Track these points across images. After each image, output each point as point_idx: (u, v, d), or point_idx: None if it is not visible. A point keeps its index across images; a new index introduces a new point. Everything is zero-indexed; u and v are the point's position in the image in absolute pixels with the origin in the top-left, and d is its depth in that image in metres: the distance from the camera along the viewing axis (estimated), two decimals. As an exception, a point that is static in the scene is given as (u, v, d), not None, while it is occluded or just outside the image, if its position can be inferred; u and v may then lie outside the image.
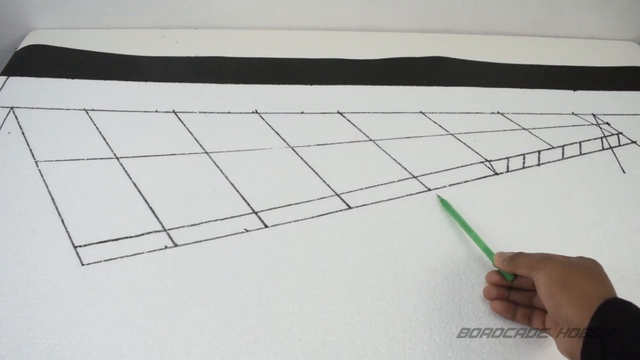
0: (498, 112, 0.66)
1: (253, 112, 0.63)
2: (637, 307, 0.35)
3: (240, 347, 0.41)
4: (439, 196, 0.54)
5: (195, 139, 0.59)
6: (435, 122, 0.63)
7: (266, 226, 0.50)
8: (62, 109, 0.62)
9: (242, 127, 0.61)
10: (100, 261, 0.46)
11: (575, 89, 0.71)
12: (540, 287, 0.38)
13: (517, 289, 0.44)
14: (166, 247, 0.48)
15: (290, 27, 0.79)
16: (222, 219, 0.50)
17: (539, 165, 0.59)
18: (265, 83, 0.68)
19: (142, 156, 0.56)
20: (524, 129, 0.64)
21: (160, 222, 0.50)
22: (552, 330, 0.40)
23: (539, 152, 0.60)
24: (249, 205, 0.52)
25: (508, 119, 0.65)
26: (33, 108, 0.61)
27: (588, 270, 0.38)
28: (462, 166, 0.58)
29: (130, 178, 0.54)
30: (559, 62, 0.76)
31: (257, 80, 0.68)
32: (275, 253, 0.48)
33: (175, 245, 0.48)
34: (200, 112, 0.62)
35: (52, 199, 0.51)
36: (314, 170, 0.56)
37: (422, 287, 0.46)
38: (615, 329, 0.33)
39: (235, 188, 0.53)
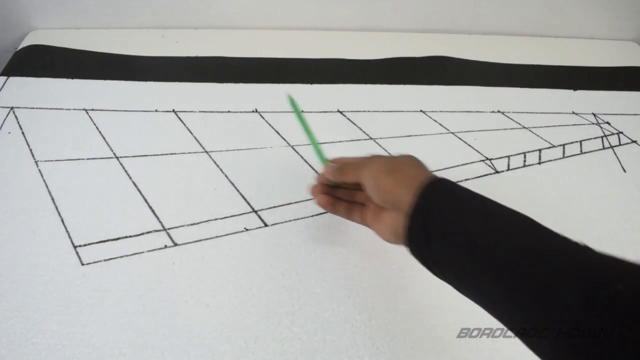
0: (499, 111, 0.66)
1: (253, 111, 0.63)
2: (458, 185, 0.37)
3: (240, 347, 0.41)
4: (289, 96, 0.52)
5: (195, 138, 0.59)
6: (436, 121, 0.63)
7: (266, 225, 0.50)
8: (62, 109, 0.62)
9: (242, 126, 0.61)
10: (100, 261, 0.46)
11: (575, 89, 0.71)
12: (368, 181, 0.39)
13: (342, 187, 0.46)
14: (166, 246, 0.48)
15: (290, 27, 0.79)
16: (222, 218, 0.50)
17: (539, 163, 0.59)
18: (265, 82, 0.67)
19: (142, 156, 0.56)
20: (524, 127, 0.64)
21: (160, 222, 0.50)
22: (371, 220, 0.42)
23: (540, 150, 0.60)
24: (249, 204, 0.52)
25: (509, 117, 0.65)
26: (33, 108, 0.61)
27: (410, 159, 0.41)
28: (462, 164, 0.58)
29: (130, 178, 0.54)
30: (559, 62, 0.76)
31: (257, 80, 0.68)
32: (275, 252, 0.48)
33: (175, 244, 0.48)
34: (200, 112, 0.62)
35: (52, 199, 0.51)
36: (314, 169, 0.56)
37: (423, 286, 0.46)
38: (438, 205, 0.35)
39: (235, 187, 0.53)
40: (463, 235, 0.33)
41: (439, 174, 0.56)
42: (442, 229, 0.34)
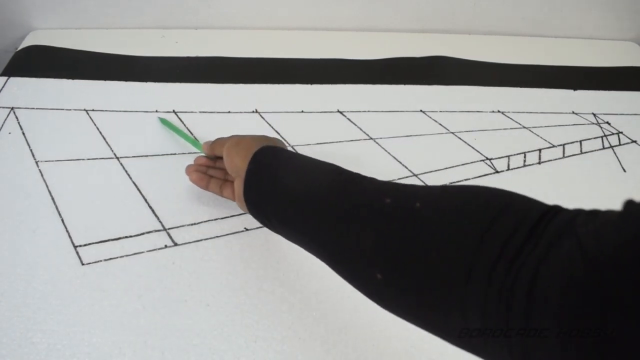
0: (499, 111, 0.66)
1: (253, 112, 0.63)
2: (285, 149, 0.43)
3: (240, 346, 0.41)
4: (159, 118, 0.61)
5: (196, 138, 0.59)
6: (436, 121, 0.63)
7: (266, 225, 0.50)
8: (62, 109, 0.62)
9: (243, 126, 0.61)
10: (100, 261, 0.46)
11: (575, 89, 0.71)
12: (224, 153, 0.45)
13: (217, 168, 0.51)
14: (166, 246, 0.48)
15: (290, 27, 0.79)
16: (222, 218, 0.50)
17: (539, 163, 0.59)
18: (265, 82, 0.68)
19: (142, 156, 0.56)
20: (524, 127, 0.64)
21: (160, 222, 0.50)
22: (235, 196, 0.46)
23: (540, 150, 0.60)
24: (249, 204, 0.52)
25: (509, 117, 0.65)
26: (33, 108, 0.61)
27: (262, 136, 0.46)
28: (462, 164, 0.58)
29: (130, 178, 0.54)
30: (559, 62, 0.76)
31: (257, 80, 0.68)
32: (275, 252, 0.48)
33: (175, 244, 0.48)
34: (200, 112, 0.62)
35: (53, 199, 0.51)
36: (314, 170, 0.56)
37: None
38: (264, 166, 0.40)
39: (236, 187, 0.53)
40: (283, 187, 0.38)
41: (439, 174, 0.57)
42: (267, 185, 0.40)
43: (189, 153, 0.57)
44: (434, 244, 0.27)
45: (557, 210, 0.26)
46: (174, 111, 0.62)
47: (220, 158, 0.50)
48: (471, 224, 0.26)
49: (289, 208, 0.38)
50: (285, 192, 0.38)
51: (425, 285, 0.27)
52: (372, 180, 0.35)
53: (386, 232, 0.30)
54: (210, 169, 0.51)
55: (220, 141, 0.49)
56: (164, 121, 0.60)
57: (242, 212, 0.51)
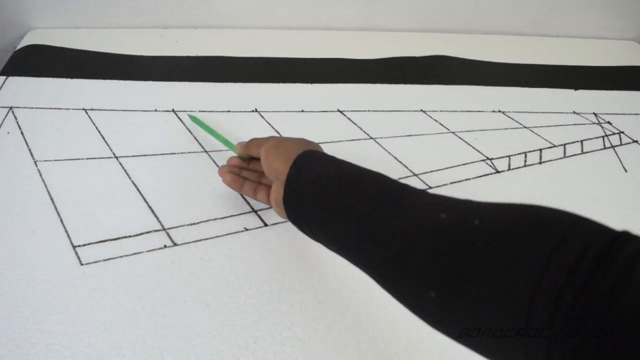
0: (499, 111, 0.66)
1: (253, 111, 0.63)
2: (327, 155, 0.41)
3: (240, 347, 0.41)
4: (189, 115, 0.60)
5: (195, 138, 0.59)
6: (436, 121, 0.63)
7: (266, 225, 0.50)
8: (61, 108, 0.61)
9: (243, 126, 0.61)
10: (100, 261, 0.46)
11: (576, 88, 0.71)
12: (262, 155, 0.44)
13: (251, 170, 0.50)
14: (165, 246, 0.47)
15: (290, 27, 0.79)
16: (221, 218, 0.50)
17: (540, 163, 0.59)
18: (265, 82, 0.67)
19: (141, 155, 0.56)
20: (525, 127, 0.63)
21: (159, 222, 0.49)
22: (269, 196, 0.45)
23: (541, 150, 0.60)
24: (248, 204, 0.52)
25: (509, 117, 0.65)
26: (32, 108, 0.61)
27: (302, 140, 0.45)
28: (463, 164, 0.58)
29: (130, 177, 0.53)
30: (559, 61, 0.75)
31: (257, 80, 0.68)
32: (275, 252, 0.48)
33: (175, 244, 0.48)
34: (199, 111, 0.62)
35: (51, 199, 0.51)
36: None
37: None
38: (307, 172, 0.39)
39: (235, 187, 0.53)
40: (326, 196, 0.37)
41: (439, 174, 0.56)
42: (310, 192, 0.38)
43: (188, 153, 0.57)
44: (495, 264, 0.26)
45: (627, 236, 0.25)
46: (173, 111, 0.62)
47: (254, 159, 0.49)
48: (536, 246, 0.25)
49: (333, 218, 0.36)
50: (330, 201, 0.37)
51: (483, 306, 0.26)
52: (424, 193, 0.34)
53: (442, 249, 0.28)
54: (244, 170, 0.50)
55: (256, 142, 0.48)
56: (194, 119, 0.59)
57: (244, 212, 0.51)
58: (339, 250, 0.38)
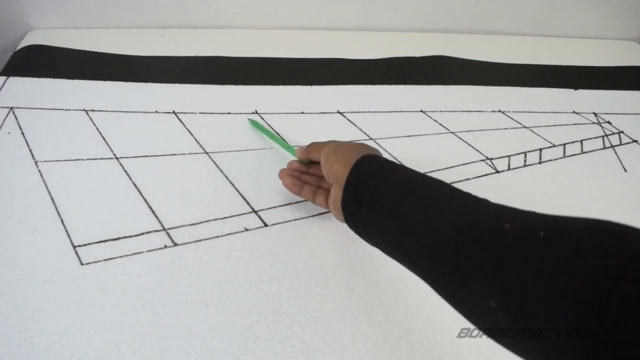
0: (499, 111, 0.66)
1: (253, 113, 0.63)
2: (387, 160, 0.42)
3: (240, 347, 0.41)
4: (248, 119, 0.61)
5: (195, 139, 0.59)
6: (436, 121, 0.63)
7: (266, 225, 0.50)
8: (61, 109, 0.61)
9: (242, 127, 0.61)
10: (100, 261, 0.46)
11: (576, 88, 0.71)
12: (322, 159, 0.45)
13: (310, 174, 0.51)
14: (166, 246, 0.47)
15: (290, 27, 0.79)
16: (222, 218, 0.50)
17: (540, 163, 0.59)
18: (265, 84, 0.67)
19: (141, 156, 0.56)
20: (525, 127, 0.63)
21: (159, 222, 0.49)
22: (328, 199, 0.46)
23: (540, 150, 0.60)
24: (248, 204, 0.52)
25: (509, 117, 0.65)
26: (32, 108, 0.61)
27: (362, 144, 0.45)
28: (463, 164, 0.58)
29: (130, 178, 0.53)
30: (559, 61, 0.76)
31: (257, 81, 0.68)
32: (275, 252, 0.48)
33: (175, 244, 0.48)
34: (200, 113, 0.62)
35: (52, 199, 0.51)
36: (314, 170, 0.56)
37: (423, 286, 0.46)
38: (366, 176, 0.39)
39: (235, 187, 0.53)
40: (385, 201, 0.37)
41: (439, 174, 0.56)
42: (368, 197, 0.38)
43: (189, 154, 0.57)
44: (561, 278, 0.25)
45: None
46: (173, 112, 0.62)
47: (315, 163, 0.50)
48: (605, 263, 0.24)
49: (391, 223, 0.36)
50: (390, 206, 0.37)
51: (546, 318, 0.26)
52: (486, 201, 0.33)
53: (505, 258, 0.28)
54: (303, 174, 0.51)
55: (316, 146, 0.48)
56: (254, 123, 0.60)
57: (244, 212, 0.51)
58: (396, 256, 0.37)
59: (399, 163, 0.41)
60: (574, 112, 0.67)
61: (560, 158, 0.60)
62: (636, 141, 0.63)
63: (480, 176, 0.56)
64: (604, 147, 0.61)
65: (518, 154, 0.59)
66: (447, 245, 0.32)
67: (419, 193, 0.36)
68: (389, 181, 0.38)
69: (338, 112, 0.64)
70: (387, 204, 0.37)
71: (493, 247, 0.29)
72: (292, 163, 0.52)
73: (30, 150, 0.56)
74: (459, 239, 0.31)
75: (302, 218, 0.51)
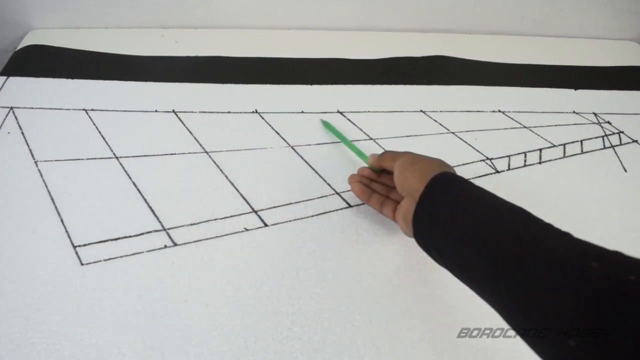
0: (499, 111, 0.66)
1: (253, 112, 0.63)
2: (466, 180, 0.40)
3: (240, 347, 0.41)
4: (321, 120, 0.61)
5: (195, 138, 0.59)
6: (436, 121, 0.63)
7: (266, 225, 0.50)
8: (61, 109, 0.61)
9: (242, 126, 0.61)
10: (100, 261, 0.46)
11: (576, 88, 0.71)
12: (396, 169, 0.44)
13: (380, 183, 0.50)
14: (166, 246, 0.47)
15: (290, 27, 0.79)
16: (221, 218, 0.50)
17: (540, 163, 0.59)
18: (265, 83, 0.67)
19: (141, 156, 0.56)
20: (525, 127, 0.63)
21: (159, 222, 0.49)
22: (396, 211, 0.45)
23: (540, 150, 0.60)
24: (248, 204, 0.52)
25: (509, 117, 0.65)
26: (32, 108, 0.61)
27: (440, 160, 0.44)
28: (463, 164, 0.58)
29: (130, 178, 0.53)
30: (559, 61, 0.76)
31: (257, 80, 0.68)
32: (275, 252, 0.48)
33: (175, 244, 0.48)
34: (200, 112, 0.62)
35: (52, 199, 0.51)
36: (314, 170, 0.56)
37: (423, 285, 0.46)
38: (443, 194, 0.39)
39: (235, 187, 0.53)
40: (462, 223, 0.36)
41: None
42: (444, 215, 0.37)
43: (188, 153, 0.57)
44: None
45: None
46: (173, 111, 0.62)
47: (385, 172, 0.49)
48: None
49: (465, 246, 0.35)
50: (464, 228, 0.36)
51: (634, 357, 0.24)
52: (567, 235, 0.32)
53: (591, 299, 0.27)
54: (373, 182, 0.50)
55: (390, 155, 0.47)
56: (326, 124, 0.60)
57: (244, 212, 0.51)
58: (466, 280, 0.36)
59: (476, 185, 0.39)
60: (574, 112, 0.67)
61: (560, 158, 0.60)
62: (636, 141, 0.63)
63: (480, 176, 0.56)
64: (604, 147, 0.61)
65: (518, 154, 0.59)
66: (525, 280, 0.30)
67: (496, 219, 0.35)
68: (466, 203, 0.37)
69: (338, 111, 0.64)
70: (461, 225, 0.36)
71: (576, 285, 0.28)
72: (363, 169, 0.51)
73: (30, 150, 0.56)
74: (539, 274, 0.30)
75: (302, 218, 0.51)
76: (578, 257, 0.29)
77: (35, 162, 0.54)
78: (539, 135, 0.62)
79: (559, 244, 0.31)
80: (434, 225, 0.38)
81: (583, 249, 0.30)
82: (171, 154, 0.57)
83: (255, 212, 0.51)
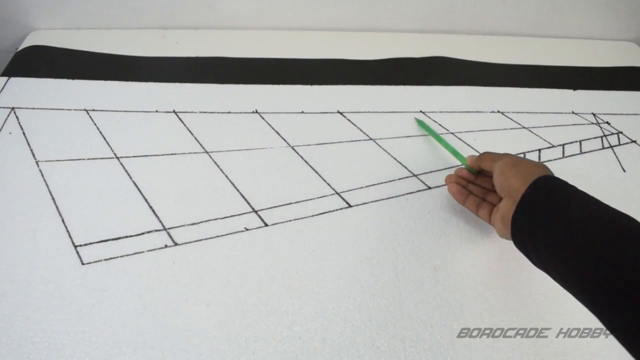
0: (498, 111, 0.66)
1: (253, 112, 0.63)
2: (568, 183, 0.39)
3: (240, 346, 0.41)
4: (415, 118, 0.62)
5: (196, 138, 0.59)
6: (436, 121, 0.63)
7: (266, 225, 0.50)
8: (62, 109, 0.62)
9: (243, 126, 0.61)
10: (101, 260, 0.46)
11: (575, 89, 0.71)
12: (496, 170, 0.44)
13: (477, 185, 0.50)
14: (166, 246, 0.48)
15: (290, 27, 0.79)
16: (222, 218, 0.50)
17: (539, 164, 0.59)
18: (265, 83, 0.68)
19: (142, 156, 0.56)
20: (524, 127, 0.64)
21: (160, 222, 0.50)
22: (493, 213, 0.45)
23: (540, 150, 0.60)
24: (249, 204, 0.52)
25: (508, 117, 0.65)
26: (34, 108, 0.61)
27: (542, 164, 0.43)
28: (463, 164, 0.58)
29: (131, 178, 0.54)
30: (559, 62, 0.76)
31: (257, 80, 0.68)
32: (275, 252, 0.48)
33: (176, 244, 0.48)
34: (200, 112, 0.63)
35: (53, 199, 0.51)
36: (314, 169, 0.56)
37: (423, 285, 0.46)
38: (545, 197, 0.38)
39: (236, 187, 0.53)
40: (566, 227, 0.35)
41: (439, 174, 0.57)
42: (546, 217, 0.37)
43: (189, 153, 0.57)
44: None
45: None
46: (174, 111, 0.62)
47: (484, 174, 0.49)
48: None
49: (567, 251, 0.34)
50: (567, 232, 0.35)
51: None
52: None
53: None
54: (470, 183, 0.50)
55: (490, 156, 0.47)
56: (420, 123, 0.60)
57: (244, 212, 0.51)
58: (565, 284, 0.35)
59: (580, 189, 0.38)
60: (573, 112, 0.67)
61: (560, 158, 0.60)
62: (635, 141, 0.63)
63: (479, 176, 0.57)
64: (603, 148, 0.62)
65: (517, 154, 0.60)
66: (633, 291, 0.29)
67: (603, 225, 0.34)
68: (569, 207, 0.36)
69: (338, 112, 0.64)
70: (564, 230, 0.35)
71: None
72: (461, 170, 0.51)
73: (32, 150, 0.56)
74: None
75: (302, 218, 0.51)
76: None
77: (37, 162, 0.55)
78: (538, 135, 0.63)
79: None
80: (534, 226, 0.37)
81: None
82: (172, 154, 0.57)
83: (256, 212, 0.51)
